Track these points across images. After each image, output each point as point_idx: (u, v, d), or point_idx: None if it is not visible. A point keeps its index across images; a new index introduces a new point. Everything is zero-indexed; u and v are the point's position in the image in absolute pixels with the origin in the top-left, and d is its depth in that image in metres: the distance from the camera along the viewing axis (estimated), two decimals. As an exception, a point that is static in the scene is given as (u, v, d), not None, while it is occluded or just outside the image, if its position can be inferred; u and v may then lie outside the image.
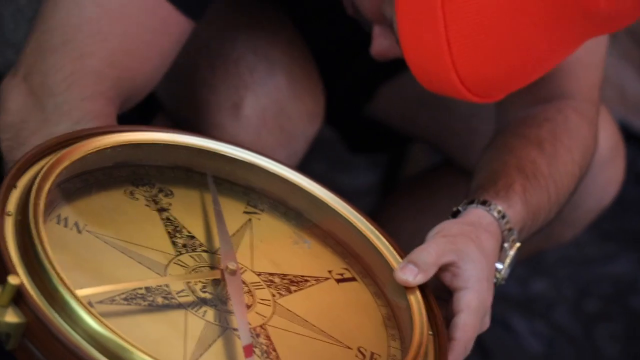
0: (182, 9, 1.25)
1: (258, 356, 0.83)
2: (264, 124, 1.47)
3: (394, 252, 1.01)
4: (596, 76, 1.49)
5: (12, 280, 0.70)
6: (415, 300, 0.94)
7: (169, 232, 0.93)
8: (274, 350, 0.84)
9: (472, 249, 1.06)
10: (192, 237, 0.94)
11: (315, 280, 0.96)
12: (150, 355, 0.71)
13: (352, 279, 0.99)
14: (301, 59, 1.52)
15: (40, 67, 1.22)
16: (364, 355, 0.89)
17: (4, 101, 1.20)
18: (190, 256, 0.92)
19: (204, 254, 0.93)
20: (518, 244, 1.19)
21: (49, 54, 1.22)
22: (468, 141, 1.68)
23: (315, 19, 1.62)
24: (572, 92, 1.46)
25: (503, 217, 1.15)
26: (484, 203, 1.15)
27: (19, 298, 0.72)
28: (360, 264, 1.01)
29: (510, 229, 1.16)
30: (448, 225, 1.12)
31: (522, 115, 1.42)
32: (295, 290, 0.94)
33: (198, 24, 1.31)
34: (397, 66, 1.48)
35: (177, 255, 0.90)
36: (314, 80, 1.51)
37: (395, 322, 0.95)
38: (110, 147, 0.93)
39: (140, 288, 0.84)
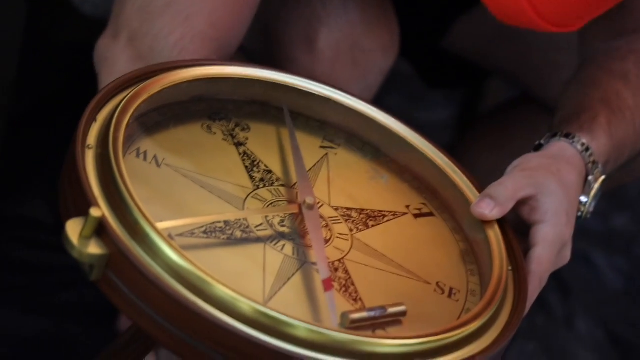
0: None
1: (337, 290, 0.83)
2: (338, 57, 1.45)
3: (472, 187, 1.00)
4: None
5: (95, 212, 0.71)
6: (494, 235, 0.93)
7: (246, 167, 0.94)
8: (353, 284, 0.84)
9: (552, 182, 1.06)
10: (270, 172, 0.94)
11: (392, 215, 0.96)
12: (230, 288, 0.71)
13: (430, 214, 0.99)
14: None
15: (149, 31, 1.22)
16: (442, 290, 0.88)
17: (109, 65, 1.19)
18: (268, 190, 0.92)
19: (281, 188, 0.93)
20: (603, 177, 1.17)
21: (157, 17, 1.21)
22: (547, 74, 1.67)
23: None
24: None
25: (587, 149, 1.13)
26: (567, 136, 1.13)
27: (101, 230, 0.73)
28: (438, 199, 1.01)
29: (594, 162, 1.15)
30: (527, 159, 1.11)
31: (604, 48, 1.37)
32: (372, 225, 0.94)
33: None
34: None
35: (255, 190, 0.91)
36: (389, 13, 1.48)
37: (474, 257, 0.95)
38: (187, 81, 0.94)
39: (219, 222, 0.84)
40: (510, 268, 0.93)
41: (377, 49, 1.44)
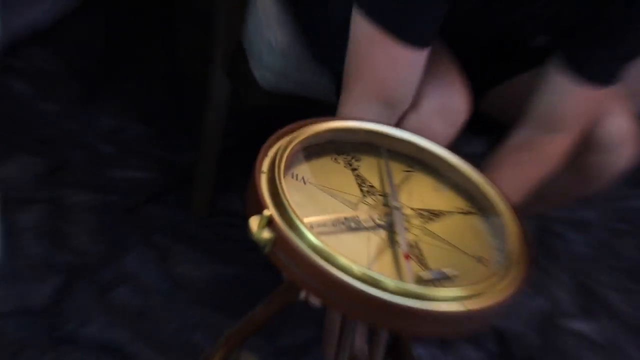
0: (416, 44, 1.03)
1: (413, 261, 0.82)
2: (434, 116, 1.24)
3: (496, 193, 0.95)
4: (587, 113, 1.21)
5: (266, 212, 0.73)
6: (510, 223, 0.90)
7: (358, 184, 0.92)
8: (423, 256, 0.83)
9: None
10: (372, 187, 0.93)
11: (448, 213, 0.95)
12: (347, 258, 0.71)
13: (471, 212, 0.96)
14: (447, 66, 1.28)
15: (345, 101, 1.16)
16: (480, 261, 0.86)
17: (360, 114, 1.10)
18: (372, 198, 0.91)
19: (379, 197, 0.91)
20: None
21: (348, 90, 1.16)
22: None
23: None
24: (562, 129, 1.22)
25: None
26: None
27: (269, 223, 0.74)
28: (475, 203, 0.96)
29: None
30: None
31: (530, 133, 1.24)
32: (435, 219, 0.92)
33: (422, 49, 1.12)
34: (505, 75, 1.33)
35: (363, 197, 0.90)
36: (465, 81, 1.23)
37: (499, 239, 0.89)
38: (322, 131, 0.92)
39: (341, 217, 0.83)
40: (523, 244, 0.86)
41: (462, 111, 1.18)
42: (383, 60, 1.04)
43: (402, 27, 1.01)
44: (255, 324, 1.02)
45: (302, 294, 1.13)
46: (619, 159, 1.21)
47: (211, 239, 1.53)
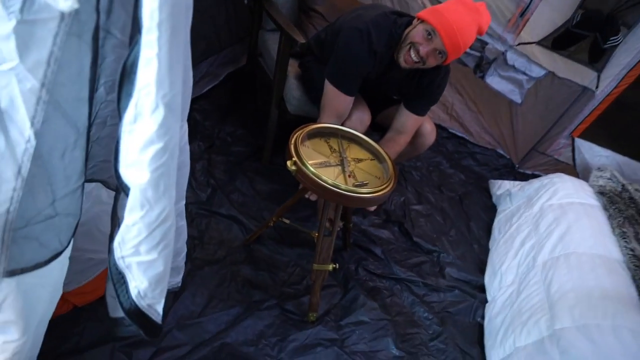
0: (349, 94, 1.57)
1: (351, 177, 1.29)
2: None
3: (385, 153, 1.44)
4: (415, 125, 1.70)
5: (293, 159, 1.21)
6: (388, 159, 1.36)
7: (330, 148, 1.36)
8: (355, 176, 1.30)
9: None
10: (335, 150, 1.35)
11: (365, 160, 1.39)
12: (325, 176, 1.17)
13: (375, 160, 1.40)
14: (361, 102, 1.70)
15: (323, 115, 1.60)
16: (378, 178, 1.32)
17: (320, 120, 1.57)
18: (334, 154, 1.33)
19: (338, 154, 1.35)
20: None
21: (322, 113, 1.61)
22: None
23: (366, 91, 1.73)
24: (405, 132, 1.71)
25: None
26: None
27: (294, 163, 1.21)
28: (376, 156, 1.40)
29: None
30: None
31: (393, 133, 1.71)
32: (360, 162, 1.37)
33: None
34: (384, 107, 1.82)
35: (331, 154, 1.35)
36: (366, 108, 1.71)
37: (385, 167, 1.36)
38: (314, 128, 1.38)
39: (323, 161, 1.29)
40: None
41: (367, 121, 1.69)
42: (336, 100, 1.59)
43: (344, 88, 1.56)
44: (287, 207, 1.53)
45: (307, 194, 1.70)
46: (428, 140, 1.82)
47: (270, 174, 2.01)
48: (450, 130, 2.84)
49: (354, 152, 1.45)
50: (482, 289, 1.89)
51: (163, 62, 0.50)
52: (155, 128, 0.53)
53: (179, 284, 1.14)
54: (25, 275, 0.66)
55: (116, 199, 0.68)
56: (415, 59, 1.47)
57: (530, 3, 2.17)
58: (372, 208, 2.07)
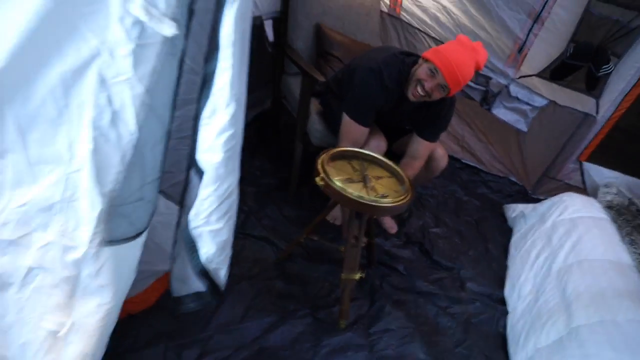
0: (364, 125, 1.77)
1: (373, 191, 1.45)
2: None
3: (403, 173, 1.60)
4: (427, 151, 1.87)
5: (321, 175, 1.38)
6: (406, 177, 1.54)
7: (352, 167, 1.52)
8: (376, 190, 1.46)
9: None
10: (357, 169, 1.50)
11: (385, 177, 1.55)
12: (351, 190, 1.34)
13: (394, 177, 1.57)
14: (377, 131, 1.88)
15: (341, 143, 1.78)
16: (396, 192, 1.52)
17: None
18: (357, 172, 1.48)
19: (359, 172, 1.50)
20: None
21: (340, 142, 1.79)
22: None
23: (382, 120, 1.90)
24: (419, 157, 1.88)
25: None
26: None
27: (322, 180, 1.38)
28: (395, 175, 1.56)
29: None
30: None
31: (408, 159, 1.87)
32: (380, 179, 1.53)
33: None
34: (399, 137, 1.99)
35: (354, 172, 1.51)
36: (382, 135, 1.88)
37: (403, 184, 1.51)
38: (336, 152, 1.56)
39: (347, 177, 1.44)
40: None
41: (383, 148, 1.86)
42: (353, 131, 1.78)
43: (360, 120, 1.75)
44: (316, 223, 1.69)
45: (332, 219, 1.81)
46: (440, 163, 1.98)
47: (297, 202, 2.19)
48: (463, 161, 3.00)
49: (374, 171, 1.62)
50: (502, 301, 1.98)
51: (235, 70, 0.70)
52: (228, 118, 0.72)
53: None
54: (117, 247, 0.83)
55: (184, 194, 0.86)
56: (421, 93, 1.66)
57: (526, 40, 2.39)
58: (393, 230, 2.21)
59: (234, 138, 0.76)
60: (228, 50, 0.70)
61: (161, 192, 1.08)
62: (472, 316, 1.87)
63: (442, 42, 2.51)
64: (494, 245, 2.35)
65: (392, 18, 2.73)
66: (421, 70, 1.67)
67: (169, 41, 0.71)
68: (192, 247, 0.85)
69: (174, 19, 0.68)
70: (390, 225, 2.22)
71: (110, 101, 0.71)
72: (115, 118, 0.73)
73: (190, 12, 0.70)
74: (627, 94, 2.34)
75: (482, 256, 2.25)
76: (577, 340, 1.43)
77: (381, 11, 2.70)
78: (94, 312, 0.84)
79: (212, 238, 0.83)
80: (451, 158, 2.95)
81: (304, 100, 2.02)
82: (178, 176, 0.98)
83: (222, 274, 0.90)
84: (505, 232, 2.48)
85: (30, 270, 0.82)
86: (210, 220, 0.82)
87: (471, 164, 3.00)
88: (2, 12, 0.63)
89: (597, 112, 2.47)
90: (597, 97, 2.44)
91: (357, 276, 1.57)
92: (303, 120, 2.06)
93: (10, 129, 0.74)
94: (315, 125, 2.04)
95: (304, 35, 2.34)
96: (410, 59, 1.75)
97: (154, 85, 0.72)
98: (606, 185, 2.20)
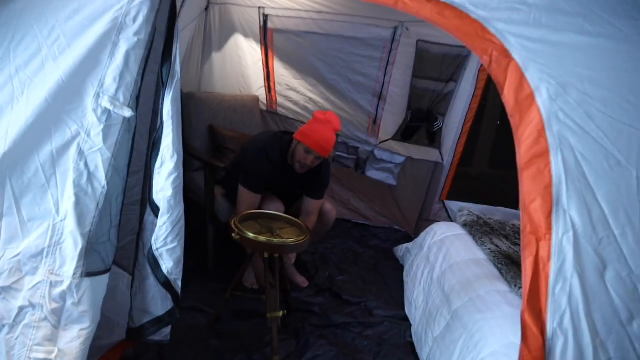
0: (256, 192, 2.17)
1: (280, 236, 1.97)
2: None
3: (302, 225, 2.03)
4: (317, 207, 2.29)
5: (235, 233, 1.83)
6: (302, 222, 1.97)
7: (259, 224, 2.02)
8: (282, 235, 1.98)
9: None
10: (261, 224, 2.02)
11: (287, 226, 1.98)
12: (261, 238, 1.82)
13: (296, 227, 2.05)
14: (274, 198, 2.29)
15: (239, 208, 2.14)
16: (299, 235, 1.98)
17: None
18: (262, 228, 2.00)
19: (263, 226, 2.01)
20: None
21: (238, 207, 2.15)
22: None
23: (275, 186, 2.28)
24: (311, 213, 2.31)
25: None
26: None
27: (238, 234, 1.83)
28: (297, 225, 2.10)
29: None
30: None
31: (304, 217, 2.23)
32: (284, 228, 2.04)
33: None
34: (294, 201, 2.40)
35: (260, 228, 2.02)
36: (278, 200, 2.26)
37: (303, 231, 2.05)
38: (249, 212, 2.02)
39: (257, 231, 1.93)
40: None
41: (282, 211, 2.24)
42: (247, 197, 2.17)
43: (252, 188, 2.16)
44: (237, 280, 2.02)
45: (249, 284, 2.13)
46: (330, 215, 2.45)
47: (215, 276, 2.49)
48: (353, 221, 3.50)
49: (277, 224, 2.00)
50: (405, 318, 2.36)
51: (174, 133, 1.11)
52: (173, 165, 1.11)
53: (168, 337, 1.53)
54: (93, 278, 1.13)
55: (140, 228, 1.20)
56: (305, 168, 2.16)
57: (377, 113, 3.09)
58: (305, 284, 2.57)
59: (178, 179, 1.14)
60: (169, 121, 1.11)
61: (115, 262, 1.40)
62: (383, 334, 2.22)
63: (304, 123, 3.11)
64: (391, 280, 2.78)
65: (271, 114, 3.31)
66: (299, 152, 2.15)
67: (126, 121, 1.10)
68: (156, 264, 1.16)
69: (129, 106, 1.08)
70: (302, 280, 2.57)
71: (87, 165, 1.06)
72: (91, 177, 1.08)
73: (137, 101, 1.11)
74: (457, 142, 3.09)
75: (383, 290, 2.66)
76: (457, 318, 1.86)
77: (261, 110, 3.27)
78: (77, 337, 1.09)
79: (169, 255, 1.16)
80: (342, 220, 3.44)
81: (209, 186, 2.40)
82: (125, 239, 1.27)
83: (179, 284, 1.21)
84: (399, 269, 2.92)
85: (21, 309, 1.05)
86: (167, 242, 1.15)
87: (360, 222, 3.49)
88: (15, 113, 0.99)
89: (442, 160, 3.18)
90: (439, 148, 3.15)
91: (280, 313, 1.88)
92: (211, 204, 2.42)
93: (7, 197, 1.04)
94: (222, 205, 2.42)
95: (199, 136, 2.81)
96: (288, 136, 2.26)
97: (117, 152, 1.09)
98: (460, 210, 2.83)
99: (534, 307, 0.99)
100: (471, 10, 1.01)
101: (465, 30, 1.00)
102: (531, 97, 1.00)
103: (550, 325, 0.96)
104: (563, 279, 0.98)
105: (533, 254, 0.99)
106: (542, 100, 1.00)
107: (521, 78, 1.00)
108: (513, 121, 1.03)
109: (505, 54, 1.00)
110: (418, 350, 2.08)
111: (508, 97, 1.01)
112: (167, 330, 1.52)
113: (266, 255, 1.82)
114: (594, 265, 0.98)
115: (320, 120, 2.08)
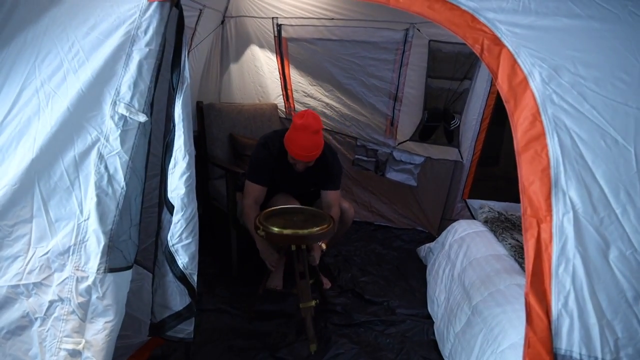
0: (260, 184, 2.23)
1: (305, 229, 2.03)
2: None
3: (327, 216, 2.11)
4: (336, 198, 2.31)
5: (260, 229, 1.89)
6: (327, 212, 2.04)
7: (283, 219, 2.09)
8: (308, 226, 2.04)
9: None
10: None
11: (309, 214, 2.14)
12: (285, 231, 1.87)
13: (319, 217, 2.14)
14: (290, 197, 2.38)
15: (245, 200, 2.22)
16: (323, 225, 2.04)
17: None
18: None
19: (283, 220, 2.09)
20: None
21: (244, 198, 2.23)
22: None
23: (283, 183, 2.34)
24: (332, 205, 2.33)
25: None
26: None
27: (263, 231, 1.90)
28: (320, 216, 2.16)
29: None
30: None
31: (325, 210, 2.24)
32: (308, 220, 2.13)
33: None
34: (312, 199, 2.47)
35: (287, 223, 2.07)
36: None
37: (329, 222, 2.11)
38: (272, 210, 2.07)
39: (281, 226, 2.00)
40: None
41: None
42: (252, 189, 2.24)
43: (256, 180, 2.23)
44: (264, 286, 2.09)
45: (274, 285, 2.18)
46: (349, 213, 2.47)
47: (240, 280, 2.56)
48: (375, 223, 3.52)
49: (299, 217, 2.05)
50: (428, 317, 2.36)
51: (186, 135, 1.19)
52: (185, 165, 1.19)
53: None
54: (116, 274, 1.21)
55: (159, 227, 1.29)
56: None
57: (393, 115, 3.13)
58: (328, 285, 2.61)
59: (190, 178, 1.22)
60: (180, 124, 1.20)
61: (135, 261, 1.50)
62: (405, 332, 2.23)
63: (332, 130, 3.21)
64: (414, 280, 2.78)
65: (289, 121, 3.37)
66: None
67: (141, 126, 1.19)
68: (172, 259, 1.24)
69: (144, 112, 1.17)
70: (325, 281, 2.61)
71: (107, 168, 1.16)
72: (110, 179, 1.17)
73: (152, 107, 1.20)
74: (476, 140, 3.09)
75: (406, 290, 2.67)
76: (477, 313, 1.87)
77: (280, 117, 3.36)
78: (102, 329, 1.17)
79: (185, 251, 1.24)
80: (365, 222, 3.47)
81: (231, 192, 2.49)
82: (147, 241, 1.34)
83: (194, 278, 1.29)
84: (422, 269, 2.91)
85: (51, 303, 1.14)
86: (182, 238, 1.23)
87: (383, 224, 3.51)
88: (41, 122, 1.09)
89: (462, 158, 3.18)
90: (458, 146, 3.16)
91: (314, 302, 1.93)
92: (234, 209, 2.50)
93: (37, 200, 1.14)
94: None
95: (219, 145, 2.92)
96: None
97: (135, 155, 1.18)
98: (480, 207, 2.83)
99: (538, 289, 1.01)
100: (461, 2, 1.04)
101: (456, 21, 1.03)
102: (524, 82, 1.02)
103: (555, 307, 0.98)
104: (566, 260, 0.99)
105: (534, 236, 1.00)
106: (535, 84, 1.03)
107: (513, 64, 1.03)
108: (508, 107, 1.06)
109: (497, 42, 1.03)
110: (440, 347, 2.08)
111: (502, 83, 1.04)
112: (191, 328, 1.59)
113: (293, 247, 1.84)
114: (596, 245, 0.98)
115: (297, 127, 2.06)
